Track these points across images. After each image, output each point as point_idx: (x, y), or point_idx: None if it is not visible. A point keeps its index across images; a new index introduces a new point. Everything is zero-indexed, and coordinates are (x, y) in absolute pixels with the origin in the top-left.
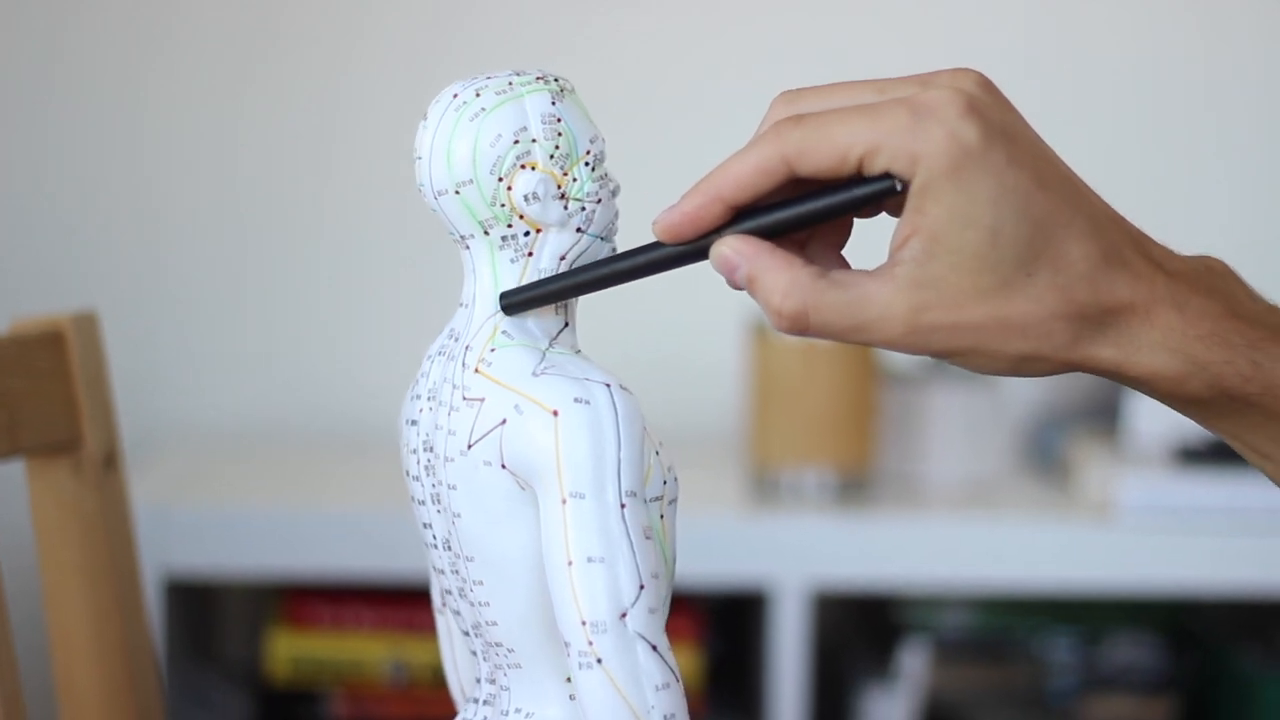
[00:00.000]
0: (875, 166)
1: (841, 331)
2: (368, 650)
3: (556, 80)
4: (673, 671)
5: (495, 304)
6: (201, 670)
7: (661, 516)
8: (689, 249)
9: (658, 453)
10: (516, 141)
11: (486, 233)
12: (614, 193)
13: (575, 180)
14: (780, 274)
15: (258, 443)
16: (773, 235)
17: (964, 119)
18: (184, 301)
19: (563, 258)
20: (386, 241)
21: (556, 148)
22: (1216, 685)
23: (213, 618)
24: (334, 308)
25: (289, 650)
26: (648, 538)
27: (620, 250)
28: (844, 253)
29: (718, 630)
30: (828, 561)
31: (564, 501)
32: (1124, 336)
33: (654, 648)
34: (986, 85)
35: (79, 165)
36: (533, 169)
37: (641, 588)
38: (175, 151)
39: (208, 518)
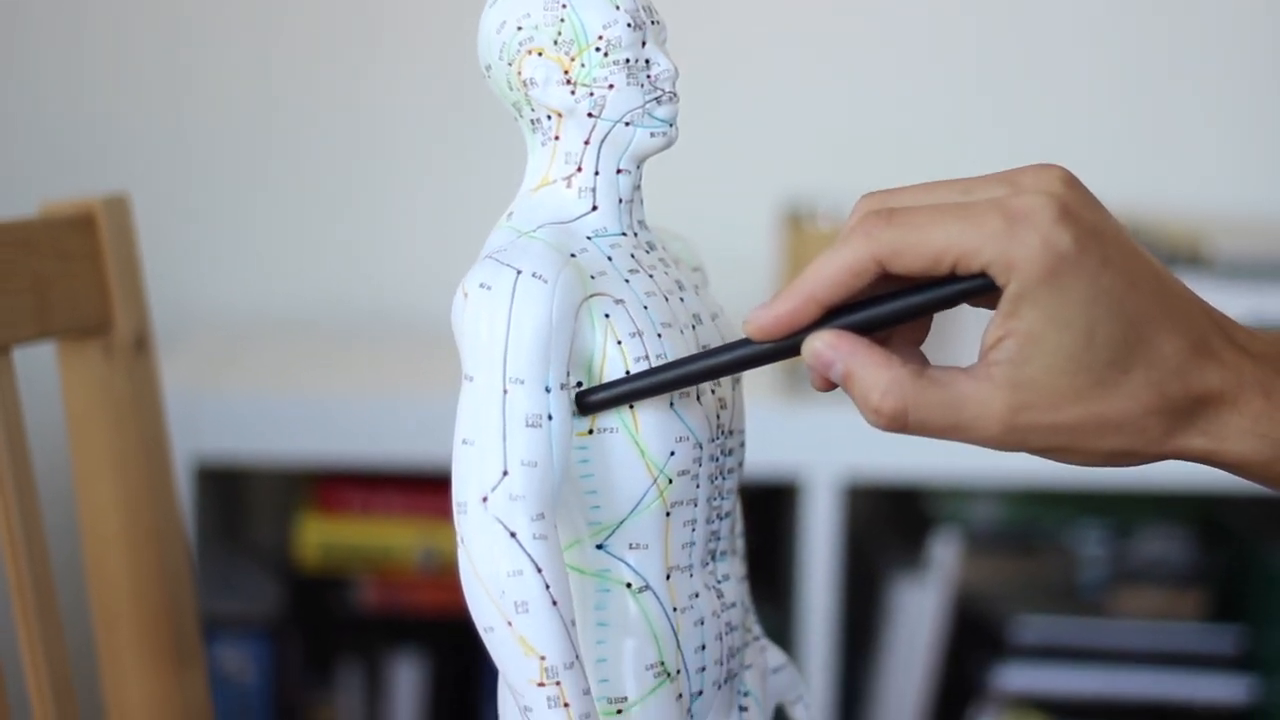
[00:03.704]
0: (970, 269)
1: (939, 430)
2: (398, 536)
3: None
4: (531, 560)
5: (529, 186)
6: (231, 556)
7: (631, 407)
8: (779, 346)
9: (620, 342)
10: (520, 28)
11: (520, 115)
12: (654, 77)
13: (583, 66)
14: (880, 372)
15: (289, 328)
16: (865, 331)
17: (1057, 225)
18: (217, 187)
19: (586, 142)
20: (418, 130)
21: (559, 34)
22: (1246, 579)
23: (243, 503)
24: (368, 196)
25: (319, 536)
26: (530, 425)
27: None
28: None
29: (750, 521)
30: (859, 453)
31: (462, 382)
32: (1213, 425)
33: (512, 534)
34: (1073, 183)
35: (112, 48)
36: (538, 55)
37: (505, 474)
38: (209, 36)
39: (238, 403)
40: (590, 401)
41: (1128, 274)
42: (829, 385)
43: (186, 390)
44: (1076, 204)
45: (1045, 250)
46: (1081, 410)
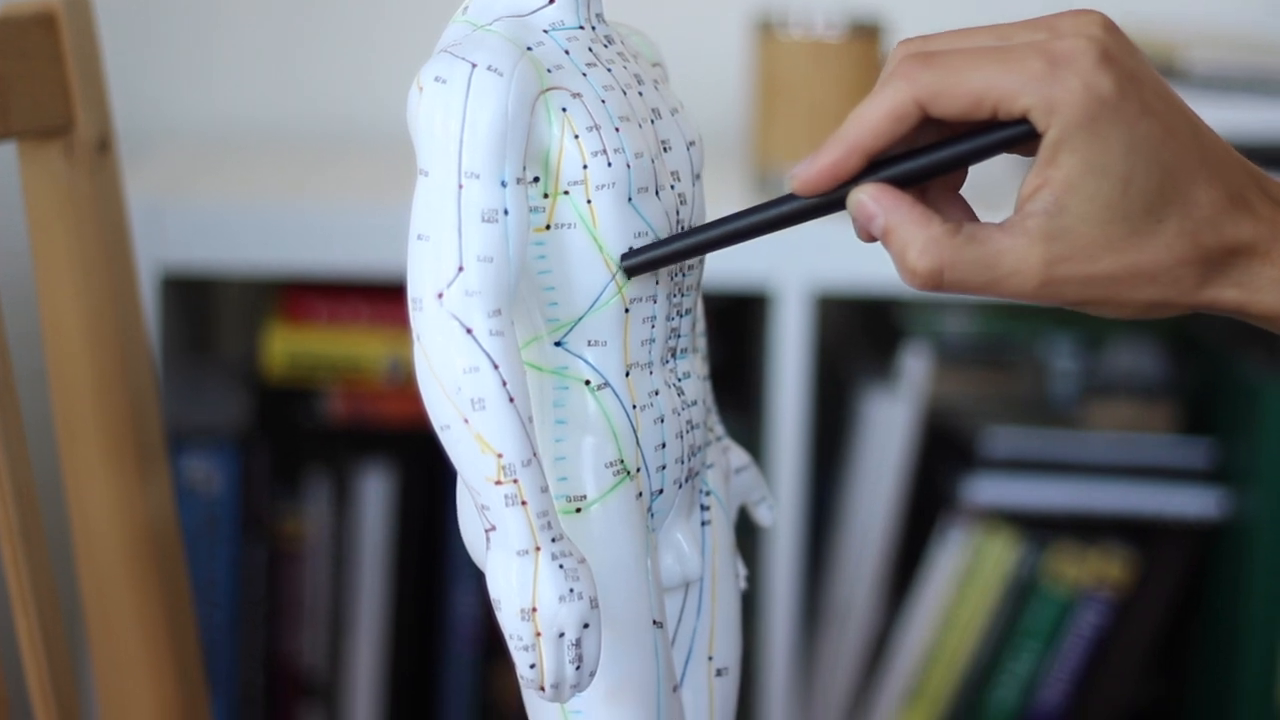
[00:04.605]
0: (1011, 113)
1: (976, 287)
2: (366, 347)
3: None
4: (487, 357)
5: None
6: (197, 366)
7: (589, 202)
8: (824, 200)
9: (577, 136)
10: None
11: None
12: None
13: None
14: (917, 230)
15: (256, 138)
16: (908, 183)
17: (1099, 69)
18: None
19: None
20: None
21: None
22: (1218, 391)
23: (209, 314)
24: (337, 3)
25: (286, 346)
26: (486, 220)
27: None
28: None
29: (719, 331)
30: (830, 263)
31: (417, 177)
32: (1246, 276)
33: (468, 330)
34: (1112, 28)
35: None
36: None
37: (461, 269)
38: None
39: (204, 212)
40: (634, 264)
41: (1165, 122)
42: (872, 238)
43: (152, 198)
44: (1117, 49)
45: (1086, 94)
46: (1117, 260)
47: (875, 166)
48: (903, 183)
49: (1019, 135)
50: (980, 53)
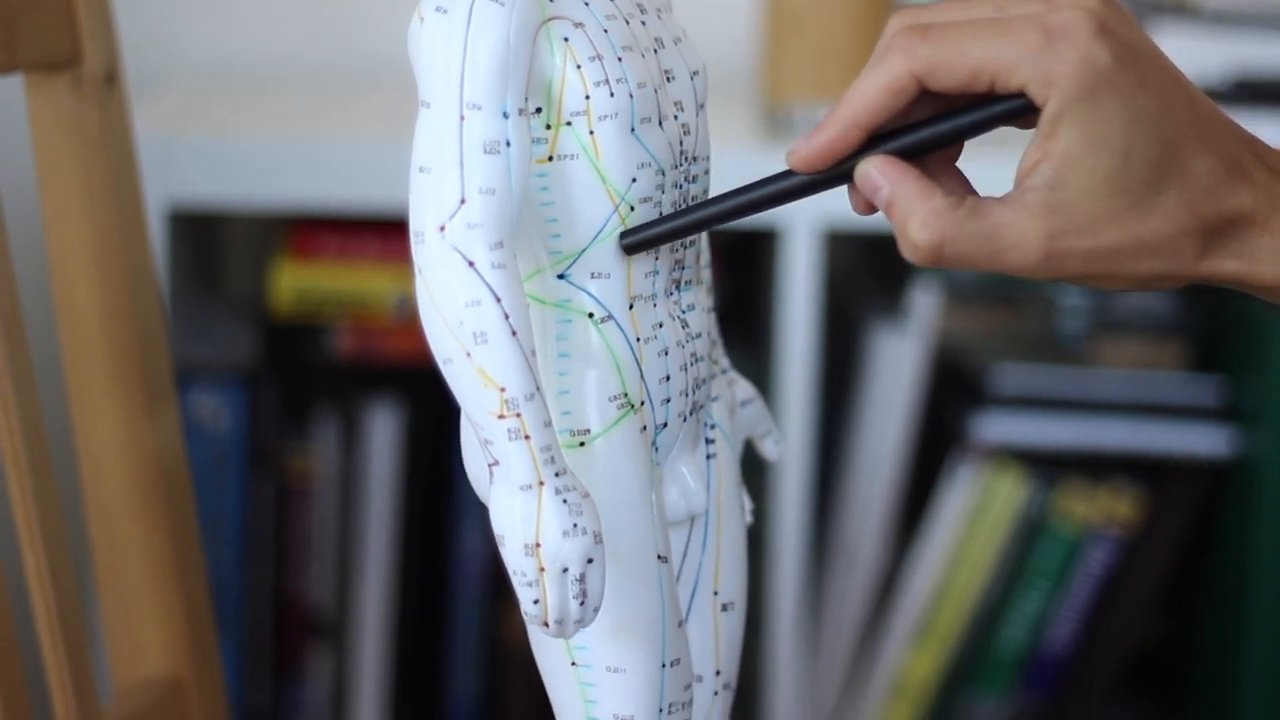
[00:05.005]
0: (1009, 86)
1: (976, 260)
2: (374, 282)
3: None
4: (489, 290)
5: None
6: (205, 302)
7: (592, 133)
8: (823, 176)
9: (579, 66)
10: None
11: None
12: None
13: None
14: (919, 203)
15: (265, 72)
16: (906, 157)
17: (1096, 41)
18: None
19: None
20: None
21: None
22: (1228, 329)
23: (217, 249)
24: None
25: (294, 282)
26: (488, 152)
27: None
28: None
29: (728, 267)
30: (839, 199)
31: (419, 109)
32: (1246, 247)
33: (470, 263)
34: (1109, 0)
35: None
36: None
37: (463, 202)
38: None
39: (213, 147)
40: (632, 243)
41: (1163, 93)
42: (870, 209)
43: (160, 133)
44: (1114, 21)
45: (1084, 66)
46: (1118, 233)
47: (873, 141)
48: (905, 155)
49: (1017, 109)
50: (976, 25)
